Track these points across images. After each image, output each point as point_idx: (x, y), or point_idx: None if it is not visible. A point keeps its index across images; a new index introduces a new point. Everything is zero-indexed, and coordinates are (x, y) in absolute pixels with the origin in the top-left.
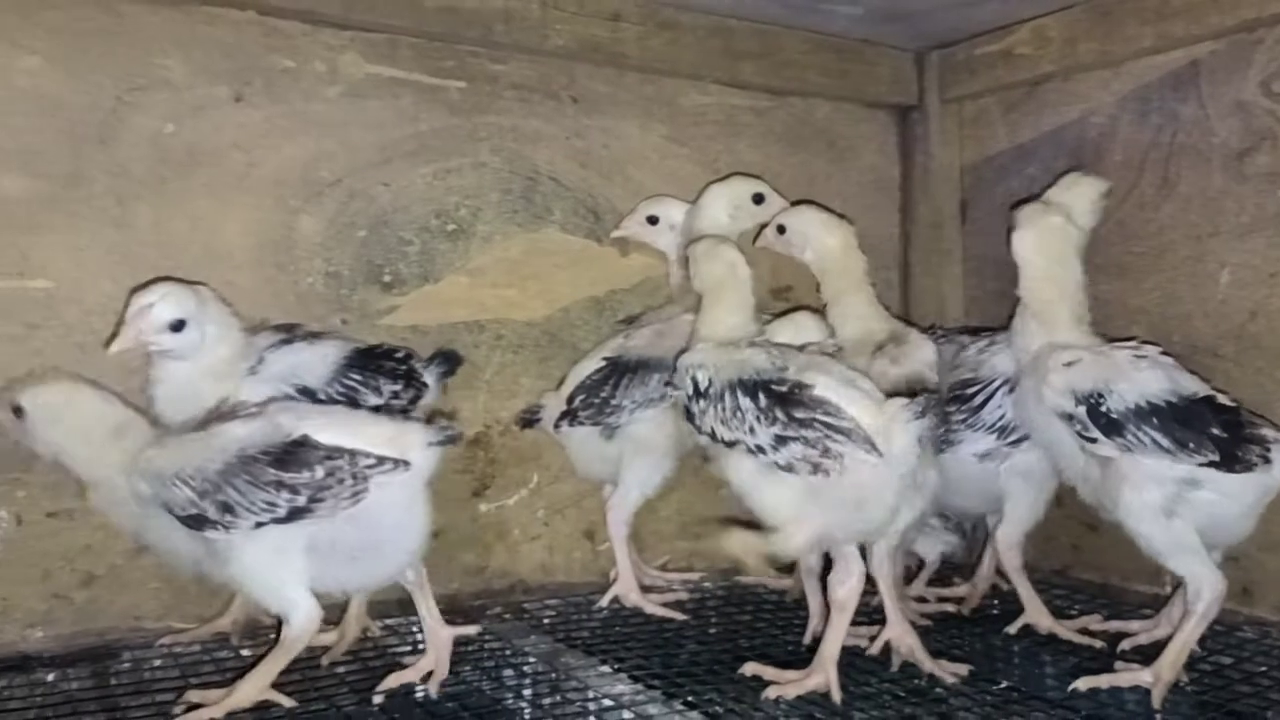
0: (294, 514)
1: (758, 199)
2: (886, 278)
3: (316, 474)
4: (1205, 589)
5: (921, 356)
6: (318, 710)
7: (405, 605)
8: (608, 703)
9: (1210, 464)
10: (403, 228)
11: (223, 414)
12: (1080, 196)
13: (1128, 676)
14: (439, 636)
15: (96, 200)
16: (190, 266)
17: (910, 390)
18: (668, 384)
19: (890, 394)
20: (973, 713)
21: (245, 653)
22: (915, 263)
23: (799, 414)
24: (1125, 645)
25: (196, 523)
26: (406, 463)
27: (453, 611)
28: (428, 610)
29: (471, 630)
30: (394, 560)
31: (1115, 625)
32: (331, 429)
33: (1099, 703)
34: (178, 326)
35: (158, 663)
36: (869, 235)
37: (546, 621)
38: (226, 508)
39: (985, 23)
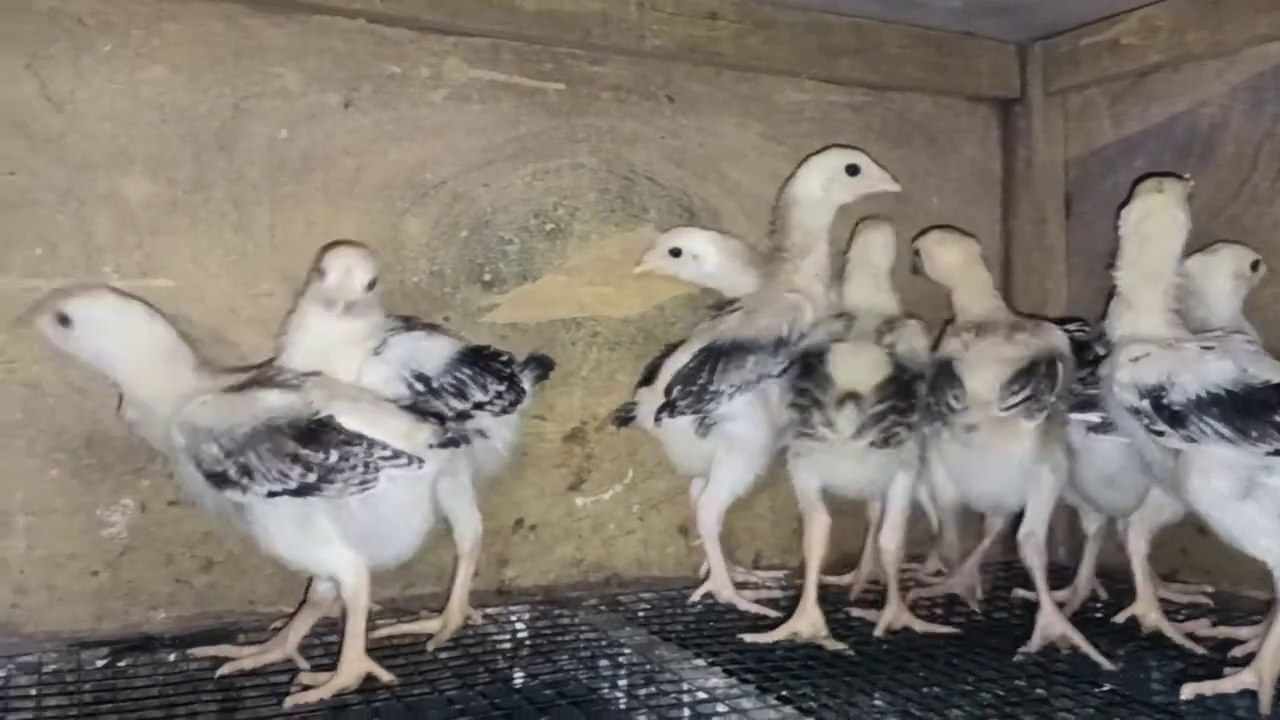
0: (303, 489)
1: (852, 170)
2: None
3: (331, 456)
4: None
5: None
6: (421, 694)
7: (503, 594)
8: (702, 695)
9: (1275, 452)
10: (503, 228)
11: (265, 378)
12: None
13: (1232, 681)
14: (456, 609)
15: (216, 204)
16: (304, 267)
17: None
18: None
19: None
20: (1074, 714)
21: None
22: (1017, 260)
23: None
24: (1236, 653)
25: (218, 480)
26: (421, 460)
27: (549, 602)
28: (461, 582)
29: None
30: (389, 550)
31: (1224, 631)
32: (356, 414)
33: (1206, 709)
34: (370, 285)
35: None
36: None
37: (641, 614)
38: (246, 470)
39: (1090, 13)
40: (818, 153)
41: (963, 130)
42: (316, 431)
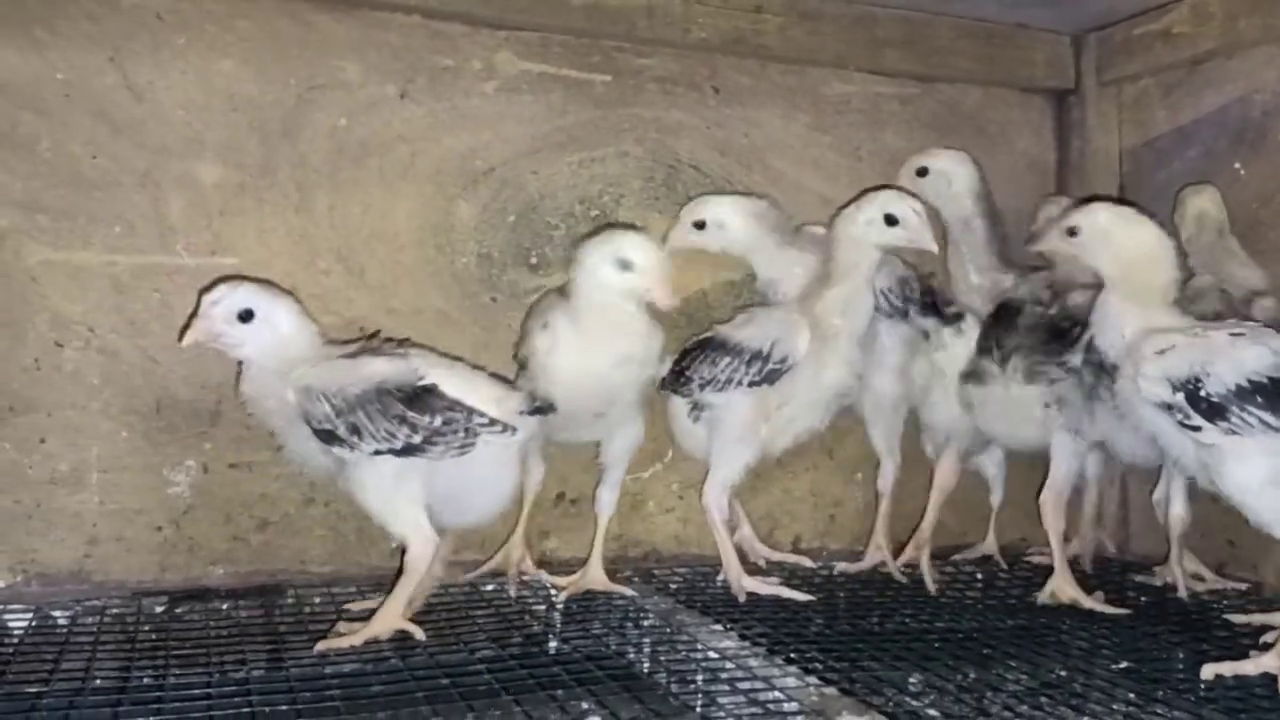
0: (407, 449)
1: (890, 220)
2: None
3: (435, 420)
4: None
5: None
6: (456, 655)
7: (544, 565)
8: (713, 655)
9: None
10: (550, 213)
11: (372, 349)
12: None
13: (1253, 664)
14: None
15: (280, 188)
16: (360, 248)
17: None
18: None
19: None
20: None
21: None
22: None
23: None
24: (1269, 638)
25: (327, 437)
26: (514, 428)
27: None
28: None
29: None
30: (475, 513)
31: (1259, 618)
32: (454, 381)
33: (1225, 687)
34: None
35: (317, 600)
36: (1023, 223)
37: (673, 587)
38: (355, 429)
39: (1143, 2)
40: (873, 190)
41: (1015, 122)
42: (423, 396)
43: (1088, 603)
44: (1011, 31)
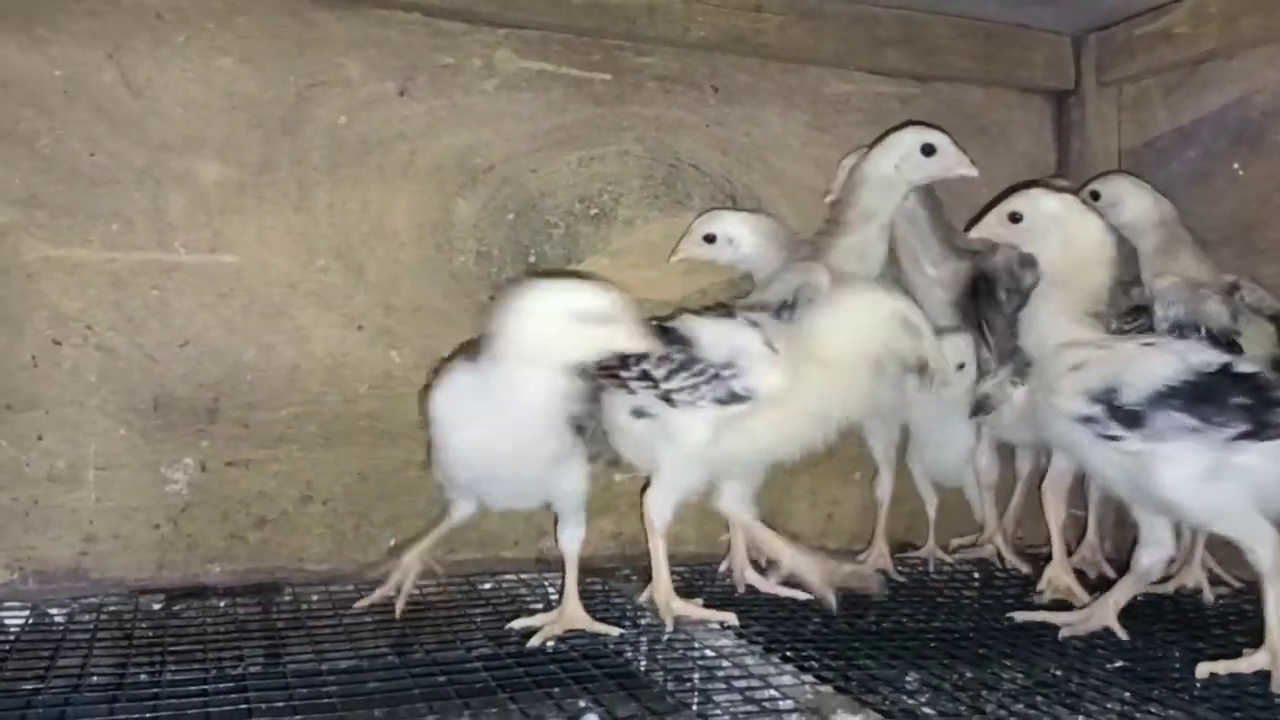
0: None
1: (927, 150)
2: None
3: None
4: (1264, 548)
5: None
6: (454, 652)
7: (541, 563)
8: (710, 653)
9: (1242, 435)
10: (549, 211)
11: None
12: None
13: (1246, 662)
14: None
15: (280, 185)
16: (359, 245)
17: None
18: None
19: None
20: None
21: (392, 593)
22: None
23: None
24: None
25: None
26: None
27: (586, 572)
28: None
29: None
30: None
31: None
32: None
33: (1220, 686)
34: None
35: (315, 598)
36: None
37: None
38: None
39: (1144, 2)
40: (896, 129)
41: (1015, 122)
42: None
43: (1083, 597)
44: (1012, 31)
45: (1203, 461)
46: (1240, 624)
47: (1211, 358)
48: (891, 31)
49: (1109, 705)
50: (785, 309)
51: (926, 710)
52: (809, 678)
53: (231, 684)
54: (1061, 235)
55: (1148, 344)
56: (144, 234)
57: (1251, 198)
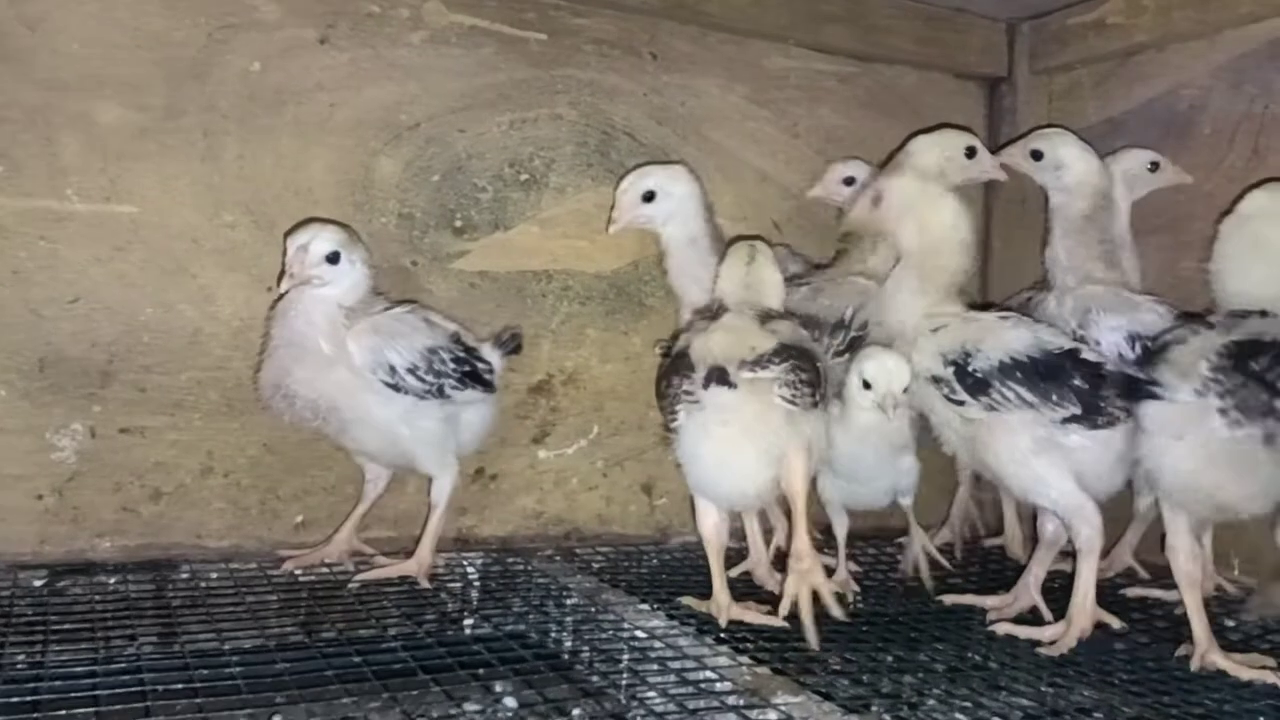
0: None
1: (970, 152)
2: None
3: None
4: (1084, 526)
5: None
6: (369, 631)
7: (460, 542)
8: (640, 634)
9: (1073, 418)
10: (477, 174)
11: None
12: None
13: (1034, 630)
14: None
15: (185, 133)
16: (272, 201)
17: None
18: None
19: None
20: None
21: (298, 572)
22: (997, 238)
23: None
24: None
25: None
26: None
27: (505, 551)
28: None
29: None
30: None
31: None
32: None
33: (1143, 670)
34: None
35: (214, 575)
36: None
37: (596, 566)
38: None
39: None
40: (932, 130)
41: (949, 107)
42: None
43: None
44: (950, 15)
45: (1033, 436)
46: (1159, 607)
47: (1062, 341)
48: (833, 7)
49: (1027, 685)
50: (841, 328)
51: (860, 692)
52: (745, 659)
53: (124, 666)
54: (917, 218)
55: (1004, 317)
56: (33, 179)
57: (1178, 189)
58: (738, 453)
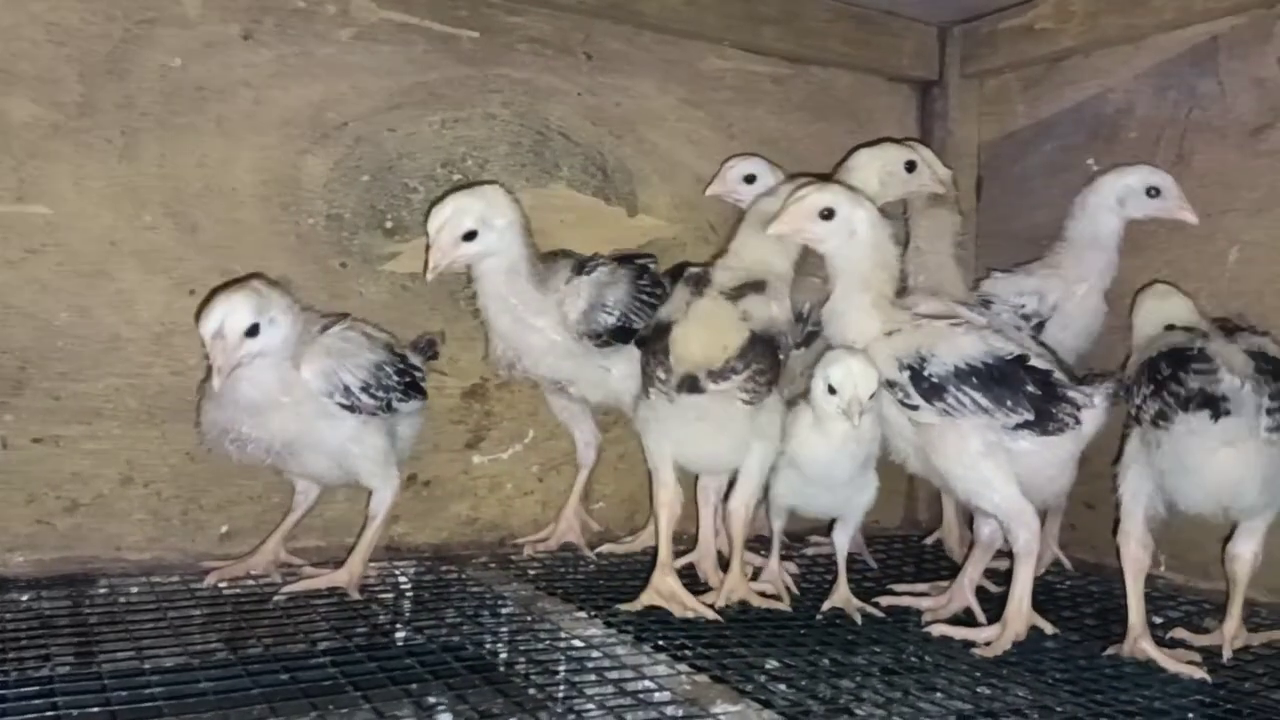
0: None
1: (910, 167)
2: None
3: None
4: (1019, 527)
5: None
6: (296, 646)
7: (392, 550)
8: (578, 643)
9: (1025, 424)
10: (408, 175)
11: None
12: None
13: (969, 632)
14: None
15: (102, 131)
16: (194, 201)
17: None
18: None
19: None
20: (947, 678)
21: (223, 585)
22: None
23: None
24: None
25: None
26: None
27: (438, 559)
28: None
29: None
30: None
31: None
32: None
33: (1076, 668)
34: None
35: (135, 590)
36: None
37: (532, 573)
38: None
39: None
40: (871, 145)
41: (882, 109)
42: None
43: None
44: (883, 18)
45: (983, 440)
46: (1089, 604)
47: (1011, 346)
48: (769, 9)
49: (963, 688)
50: (800, 321)
51: (796, 695)
52: (684, 667)
53: (36, 689)
54: (874, 237)
55: (956, 324)
56: None
57: None
58: (708, 439)
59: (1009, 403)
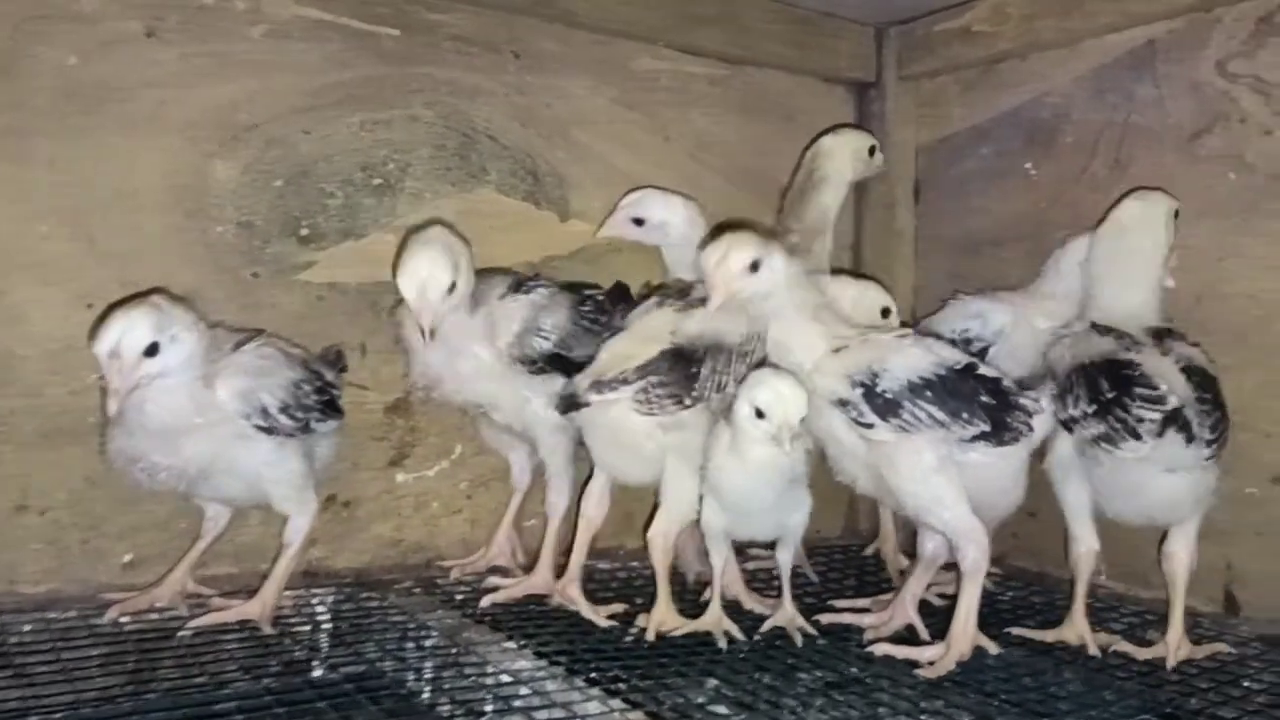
0: None
1: (871, 151)
2: (837, 257)
3: None
4: (968, 544)
5: None
6: (199, 689)
7: (309, 576)
8: (505, 678)
9: (981, 435)
10: (325, 179)
11: None
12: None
13: (913, 651)
14: None
15: None
16: (92, 208)
17: None
18: None
19: None
20: (893, 695)
21: (125, 620)
22: (866, 243)
23: None
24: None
25: None
26: None
27: (360, 585)
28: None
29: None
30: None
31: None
32: None
33: (1020, 687)
34: None
35: (28, 628)
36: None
37: (459, 597)
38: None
39: None
40: (833, 130)
41: (820, 110)
42: None
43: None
44: (820, 19)
45: (937, 455)
46: (1031, 616)
47: (959, 355)
48: (705, 9)
49: (904, 701)
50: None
51: None
52: (618, 703)
53: None
54: (770, 273)
55: (902, 336)
56: None
57: (1042, 197)
58: (618, 454)
59: (964, 415)
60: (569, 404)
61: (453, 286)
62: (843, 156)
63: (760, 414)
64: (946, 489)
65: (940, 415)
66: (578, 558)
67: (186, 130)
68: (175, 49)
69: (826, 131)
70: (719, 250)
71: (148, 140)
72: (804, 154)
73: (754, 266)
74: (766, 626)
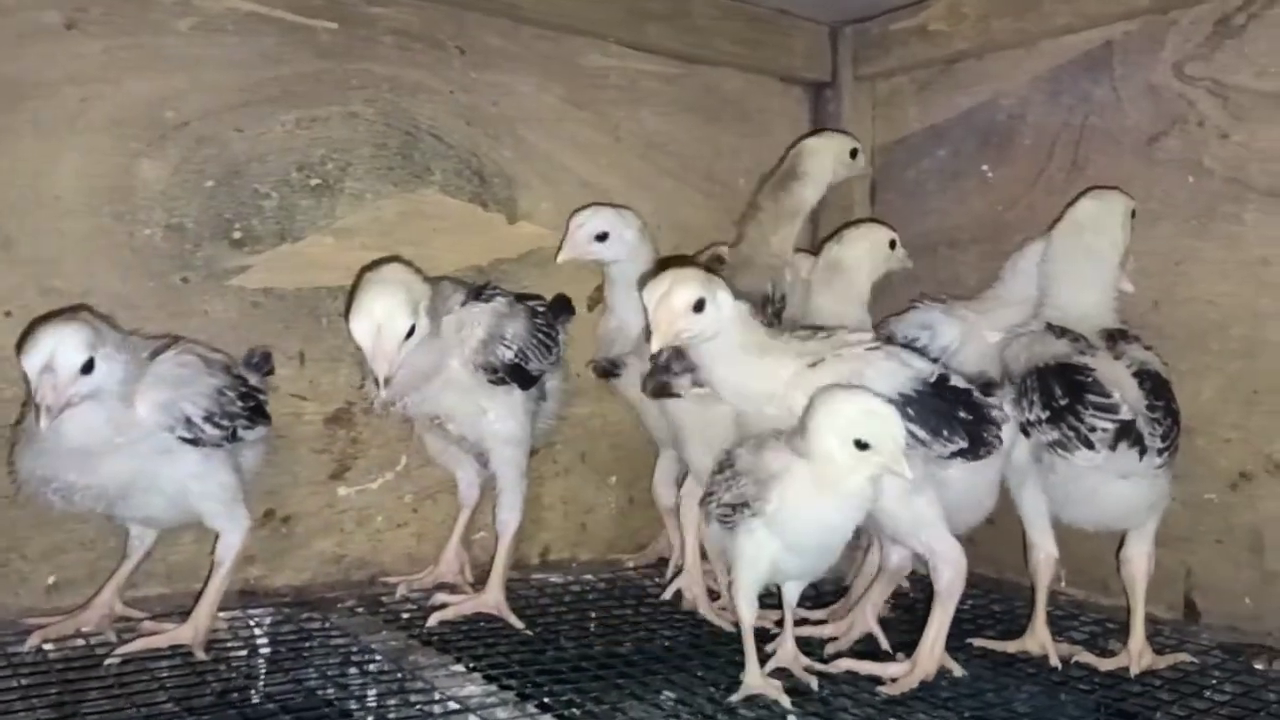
0: None
1: (853, 154)
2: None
3: None
4: (945, 565)
5: None
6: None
7: (246, 595)
8: (453, 706)
9: (960, 452)
10: (259, 179)
11: None
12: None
13: (876, 667)
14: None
15: None
16: (9, 213)
17: None
18: None
19: None
20: (852, 713)
21: (48, 647)
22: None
23: None
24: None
25: None
26: None
27: (300, 604)
28: None
29: None
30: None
31: None
32: None
33: (984, 703)
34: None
35: None
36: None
37: (405, 616)
38: None
39: None
40: (820, 134)
41: (774, 110)
42: None
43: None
44: (774, 17)
45: (915, 474)
46: (993, 626)
47: (928, 365)
48: (656, 5)
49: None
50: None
51: None
52: None
53: None
54: (716, 311)
55: (872, 348)
56: None
57: (999, 199)
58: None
59: (945, 432)
60: (661, 390)
61: (411, 330)
62: (825, 157)
63: (862, 445)
64: (926, 509)
65: (921, 434)
66: (692, 558)
67: (112, 128)
68: (99, 42)
69: (812, 133)
70: (660, 287)
71: (70, 139)
72: (786, 153)
73: (699, 306)
74: (769, 668)
